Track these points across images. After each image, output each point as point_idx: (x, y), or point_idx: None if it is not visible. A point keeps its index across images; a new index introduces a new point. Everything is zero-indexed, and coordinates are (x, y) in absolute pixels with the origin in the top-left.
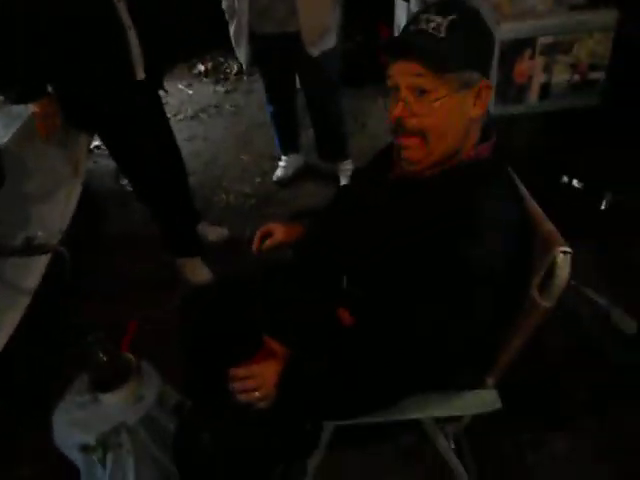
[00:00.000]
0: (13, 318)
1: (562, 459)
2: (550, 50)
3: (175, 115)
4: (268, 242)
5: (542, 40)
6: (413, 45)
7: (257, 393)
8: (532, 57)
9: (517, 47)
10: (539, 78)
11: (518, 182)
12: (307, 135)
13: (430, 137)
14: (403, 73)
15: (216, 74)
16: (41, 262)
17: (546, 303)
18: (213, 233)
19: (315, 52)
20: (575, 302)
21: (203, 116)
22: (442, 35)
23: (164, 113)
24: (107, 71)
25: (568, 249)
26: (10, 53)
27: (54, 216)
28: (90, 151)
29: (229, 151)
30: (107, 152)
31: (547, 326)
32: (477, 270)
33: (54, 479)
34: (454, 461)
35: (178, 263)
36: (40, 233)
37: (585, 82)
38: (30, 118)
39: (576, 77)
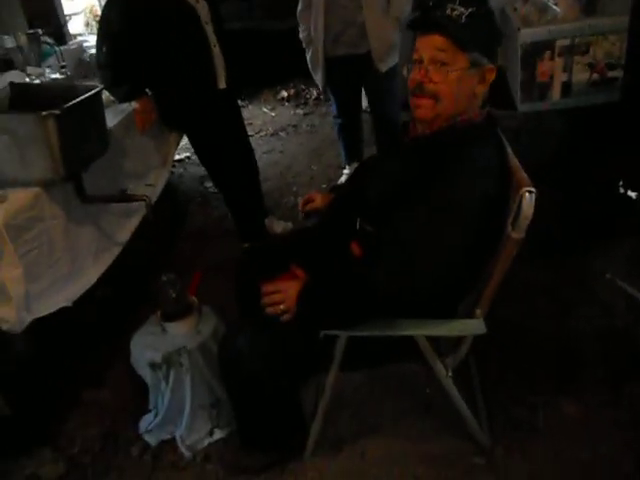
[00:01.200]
0: (106, 260)
1: (574, 423)
2: (568, 51)
3: (258, 132)
4: (309, 206)
5: (560, 42)
6: (441, 24)
7: (282, 306)
8: (552, 58)
9: (537, 49)
10: (560, 77)
11: (505, 143)
12: (370, 152)
13: (441, 100)
14: (428, 47)
15: (297, 99)
16: (132, 222)
17: (516, 235)
18: (279, 226)
19: (384, 68)
20: (610, 294)
21: (282, 134)
22: (463, 22)
23: (241, 117)
24: (195, 80)
25: (532, 189)
26: (121, 62)
27: (146, 189)
28: (181, 160)
29: (301, 162)
30: (195, 161)
31: (579, 312)
32: (454, 204)
33: (130, 398)
34: (454, 393)
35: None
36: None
37: (604, 80)
38: (131, 113)
39: (595, 76)
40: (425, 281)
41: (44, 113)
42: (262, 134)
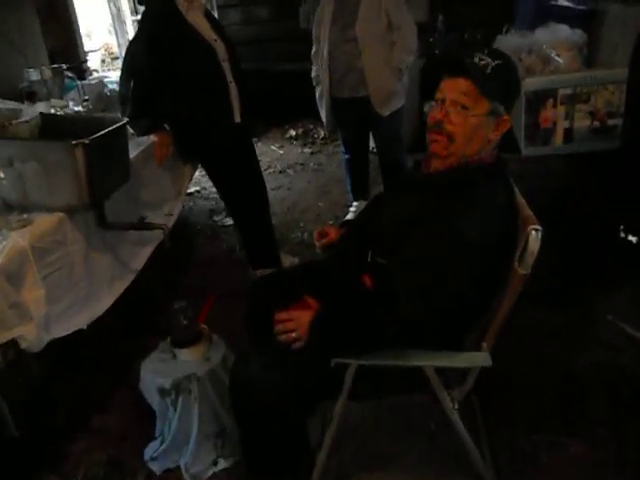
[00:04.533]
0: (119, 287)
1: (580, 461)
2: (570, 100)
3: (266, 169)
4: (325, 240)
5: (562, 91)
6: (469, 70)
7: (294, 334)
8: (554, 106)
9: (541, 97)
10: (562, 124)
11: (512, 182)
12: (377, 190)
13: (456, 141)
14: (453, 89)
15: (305, 138)
16: (147, 250)
17: (522, 270)
18: (286, 260)
19: (385, 112)
20: (613, 335)
21: (290, 171)
22: (488, 72)
23: (254, 151)
24: (213, 113)
25: (538, 227)
26: (142, 97)
27: (159, 220)
28: (191, 193)
29: (308, 199)
30: (204, 195)
31: (581, 351)
32: (468, 238)
33: (136, 424)
34: (460, 426)
35: (253, 274)
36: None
37: (605, 128)
38: (149, 145)
39: (596, 123)
40: (437, 313)
41: (74, 142)
42: (270, 171)
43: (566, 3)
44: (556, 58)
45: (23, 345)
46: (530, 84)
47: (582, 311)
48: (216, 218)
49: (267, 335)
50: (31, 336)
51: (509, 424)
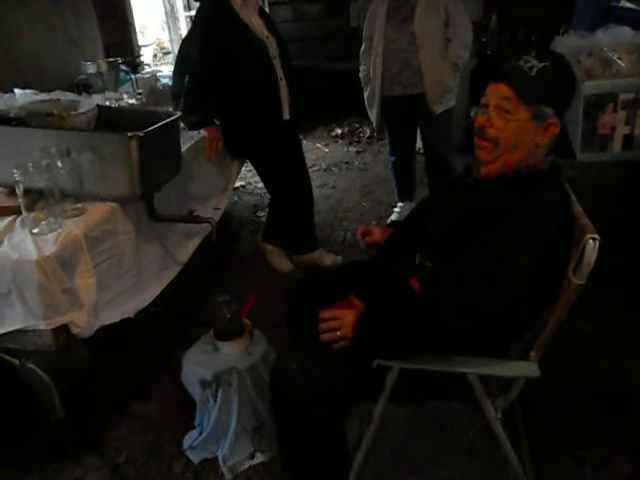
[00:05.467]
0: (166, 278)
1: None
2: (631, 105)
3: (311, 167)
4: (368, 238)
5: (623, 96)
6: (510, 75)
7: (338, 332)
8: (614, 111)
9: (600, 101)
10: (622, 130)
11: (568, 189)
12: (422, 192)
13: (500, 146)
14: (495, 94)
15: (351, 137)
16: (193, 243)
17: (577, 280)
18: (328, 259)
19: (438, 110)
20: None
21: (335, 169)
22: (533, 74)
23: (301, 148)
24: (263, 109)
25: (596, 236)
26: (195, 93)
27: (206, 214)
28: (236, 188)
29: (352, 198)
30: (249, 190)
31: (632, 367)
32: (517, 247)
33: (176, 413)
34: (502, 436)
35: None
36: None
37: None
38: (199, 140)
39: None
40: (485, 320)
41: (129, 134)
42: (315, 169)
43: (628, 5)
44: (617, 61)
45: (74, 330)
46: (589, 87)
47: (635, 323)
48: (260, 214)
49: (308, 333)
50: (82, 322)
51: (552, 438)
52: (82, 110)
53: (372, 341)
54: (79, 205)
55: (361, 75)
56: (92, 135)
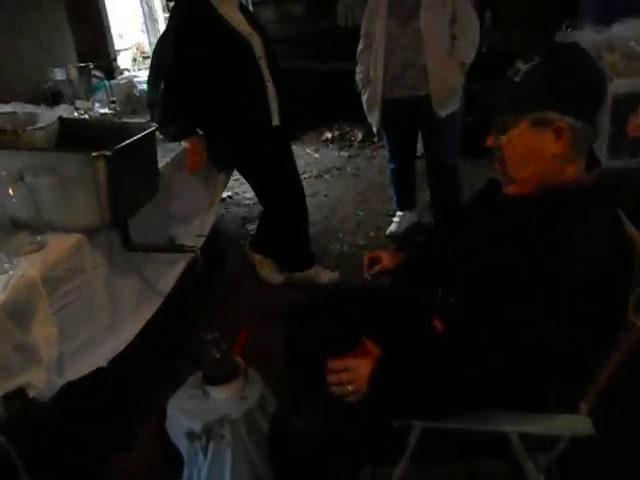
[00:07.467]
0: (146, 312)
1: None
2: None
3: (302, 174)
4: (377, 267)
5: None
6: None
7: (350, 386)
8: None
9: (630, 101)
10: None
11: (619, 211)
12: (422, 197)
13: (508, 164)
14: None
15: (341, 141)
16: (176, 270)
17: None
18: (325, 276)
19: (443, 113)
20: None
21: (326, 176)
22: (518, 80)
23: (293, 157)
24: (250, 116)
25: None
26: (172, 100)
27: (189, 238)
28: (223, 199)
29: (347, 207)
30: (237, 201)
31: None
32: (565, 286)
33: (161, 464)
34: None
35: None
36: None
37: None
38: (181, 153)
39: None
40: (526, 371)
41: (94, 154)
42: (306, 176)
43: None
44: None
45: (31, 394)
46: (617, 86)
47: None
48: (250, 227)
49: (310, 374)
50: (40, 382)
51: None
52: (40, 125)
53: (391, 397)
54: (38, 238)
55: (358, 77)
56: (49, 155)
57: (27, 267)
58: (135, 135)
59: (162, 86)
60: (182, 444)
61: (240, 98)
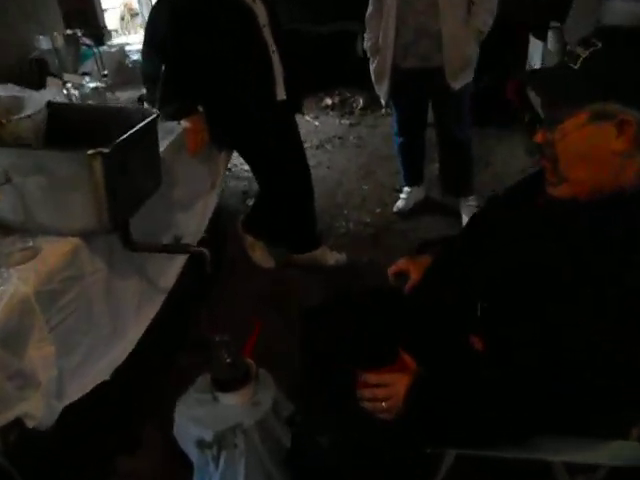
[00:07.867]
0: (149, 313)
1: None
2: None
3: None
4: (409, 286)
5: None
6: (540, 81)
7: (384, 403)
8: None
9: None
10: None
11: None
12: (430, 170)
13: (559, 163)
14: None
15: (342, 108)
16: (177, 265)
17: None
18: (332, 258)
19: (457, 86)
20: None
21: (328, 146)
22: (576, 68)
23: (299, 134)
24: (253, 90)
25: None
26: (170, 75)
27: (192, 223)
28: None
29: (351, 180)
30: (236, 174)
31: None
32: (618, 306)
33: (170, 467)
34: None
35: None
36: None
37: None
38: (181, 134)
39: None
40: (582, 397)
41: (90, 152)
42: (307, 145)
43: None
44: None
45: (30, 424)
46: None
47: None
48: (250, 202)
49: (327, 379)
50: (38, 411)
51: None
52: (27, 113)
53: (428, 419)
54: (30, 244)
55: (367, 45)
56: (40, 154)
57: (18, 282)
58: (133, 121)
59: (163, 69)
60: (192, 452)
61: (243, 70)
